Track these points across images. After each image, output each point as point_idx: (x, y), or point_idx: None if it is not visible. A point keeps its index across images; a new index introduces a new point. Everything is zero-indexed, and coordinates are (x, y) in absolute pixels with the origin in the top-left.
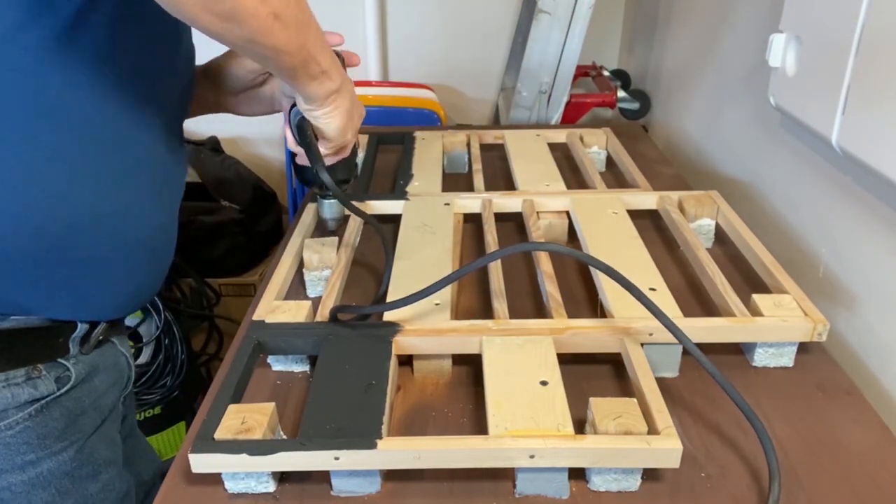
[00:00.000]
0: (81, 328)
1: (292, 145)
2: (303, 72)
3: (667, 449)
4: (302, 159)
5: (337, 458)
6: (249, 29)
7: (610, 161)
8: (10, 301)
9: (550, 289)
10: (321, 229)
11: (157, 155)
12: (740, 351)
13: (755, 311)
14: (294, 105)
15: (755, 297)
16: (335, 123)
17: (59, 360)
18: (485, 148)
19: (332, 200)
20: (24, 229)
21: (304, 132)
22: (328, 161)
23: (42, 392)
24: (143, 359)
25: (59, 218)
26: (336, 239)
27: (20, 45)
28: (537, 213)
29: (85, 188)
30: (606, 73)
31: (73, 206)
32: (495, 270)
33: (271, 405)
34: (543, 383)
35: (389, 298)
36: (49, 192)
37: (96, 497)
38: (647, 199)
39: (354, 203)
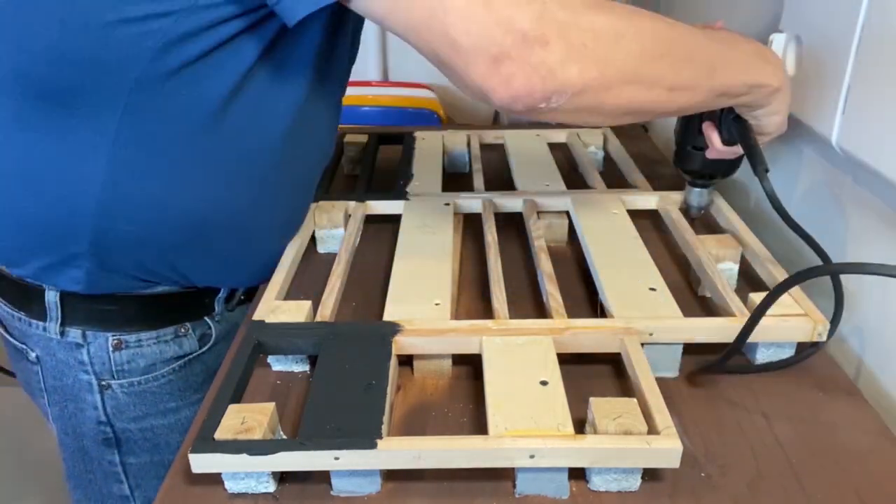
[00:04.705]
0: (224, 290)
1: (718, 145)
2: (723, 102)
3: (667, 449)
4: (715, 154)
5: (337, 458)
6: (651, 115)
7: (609, 161)
8: (160, 274)
9: (550, 289)
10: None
11: (305, 156)
12: (740, 351)
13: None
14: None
15: (752, 295)
16: (778, 119)
17: (205, 318)
18: (485, 148)
19: (703, 189)
20: (169, 221)
21: (747, 133)
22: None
23: (186, 350)
24: None
25: (202, 213)
26: (345, 204)
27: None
28: (537, 213)
29: (231, 191)
30: None
31: (218, 203)
32: (495, 270)
33: (271, 405)
34: (543, 383)
35: (390, 299)
36: (196, 193)
37: None
38: (647, 199)
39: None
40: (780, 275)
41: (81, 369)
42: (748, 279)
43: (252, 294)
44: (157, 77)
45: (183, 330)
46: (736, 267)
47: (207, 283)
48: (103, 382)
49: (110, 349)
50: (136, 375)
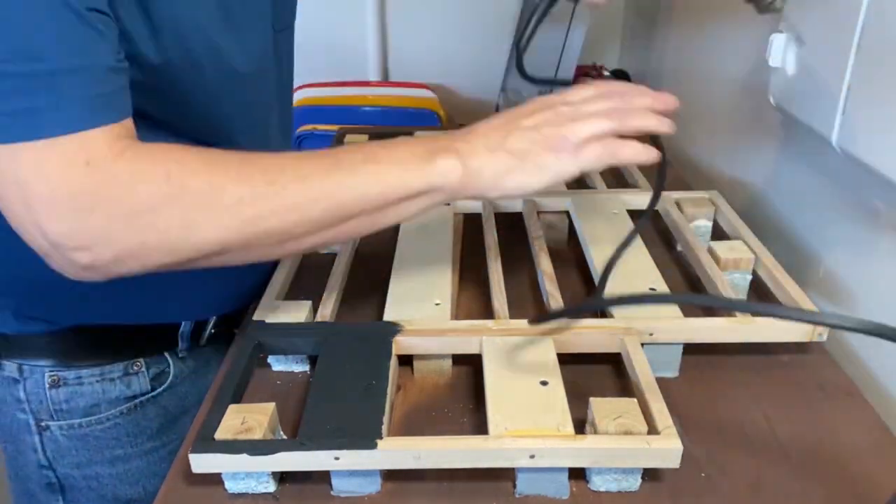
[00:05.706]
0: (187, 324)
1: None
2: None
3: (667, 449)
4: None
5: (337, 458)
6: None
7: None
8: (81, 311)
9: (550, 289)
10: None
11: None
12: (740, 351)
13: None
14: None
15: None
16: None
17: (165, 353)
18: None
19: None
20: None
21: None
22: None
23: (135, 390)
24: None
25: None
26: None
27: None
28: (537, 213)
29: None
30: (606, 73)
31: None
32: (495, 270)
33: (271, 405)
34: (543, 383)
35: (390, 299)
36: None
37: None
38: (647, 200)
39: None
40: (782, 276)
41: (18, 408)
42: (753, 285)
43: (233, 323)
44: None
45: (135, 367)
46: (709, 224)
47: (145, 319)
48: (42, 423)
49: (46, 386)
50: (76, 417)
